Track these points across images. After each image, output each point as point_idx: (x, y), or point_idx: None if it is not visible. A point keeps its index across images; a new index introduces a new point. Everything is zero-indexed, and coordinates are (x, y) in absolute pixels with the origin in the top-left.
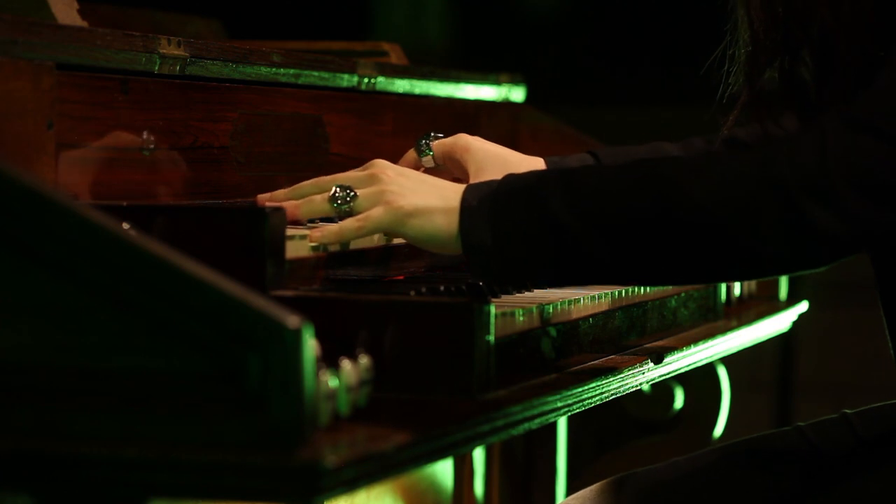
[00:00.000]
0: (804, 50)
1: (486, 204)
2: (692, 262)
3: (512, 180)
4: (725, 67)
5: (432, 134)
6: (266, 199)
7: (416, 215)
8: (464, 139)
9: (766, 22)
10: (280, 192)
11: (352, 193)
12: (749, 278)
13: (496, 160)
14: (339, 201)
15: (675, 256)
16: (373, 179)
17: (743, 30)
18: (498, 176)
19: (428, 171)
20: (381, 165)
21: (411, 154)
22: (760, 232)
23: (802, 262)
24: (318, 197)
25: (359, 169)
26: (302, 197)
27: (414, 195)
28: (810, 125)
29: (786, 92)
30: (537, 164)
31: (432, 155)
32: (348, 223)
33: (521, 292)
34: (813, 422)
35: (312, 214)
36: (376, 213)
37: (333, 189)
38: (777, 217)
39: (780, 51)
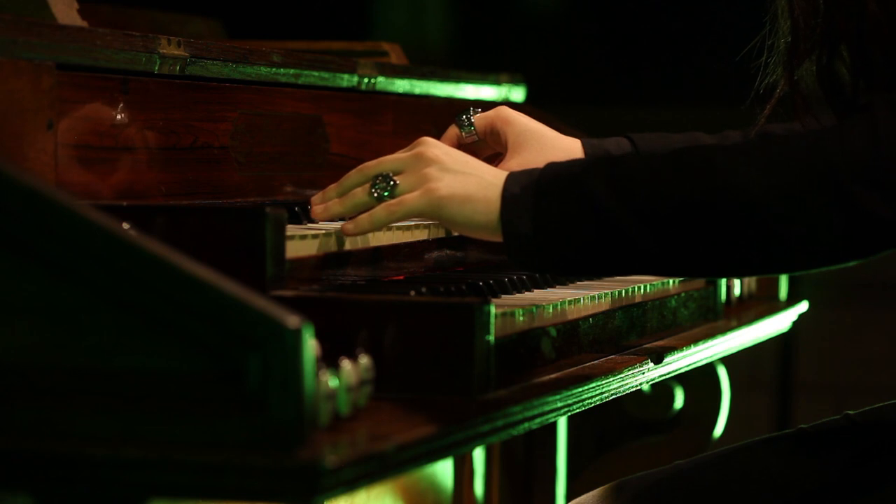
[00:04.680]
0: (842, 43)
1: (529, 193)
2: (740, 253)
3: (555, 169)
4: (764, 58)
5: (472, 109)
6: (318, 199)
7: (452, 201)
8: (505, 111)
9: (808, 11)
10: (330, 188)
11: (392, 182)
12: (798, 269)
13: (535, 135)
14: (378, 192)
15: (723, 246)
16: (417, 160)
17: (783, 20)
18: (536, 151)
19: (467, 147)
20: (427, 144)
21: (452, 130)
22: (810, 220)
23: (852, 251)
24: (358, 191)
25: (405, 149)
26: (347, 190)
27: (454, 179)
28: (860, 112)
29: (822, 85)
30: (574, 143)
31: (474, 130)
32: (379, 209)
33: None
34: (815, 424)
35: (356, 209)
36: (411, 199)
37: (372, 180)
38: (827, 204)
39: (819, 42)
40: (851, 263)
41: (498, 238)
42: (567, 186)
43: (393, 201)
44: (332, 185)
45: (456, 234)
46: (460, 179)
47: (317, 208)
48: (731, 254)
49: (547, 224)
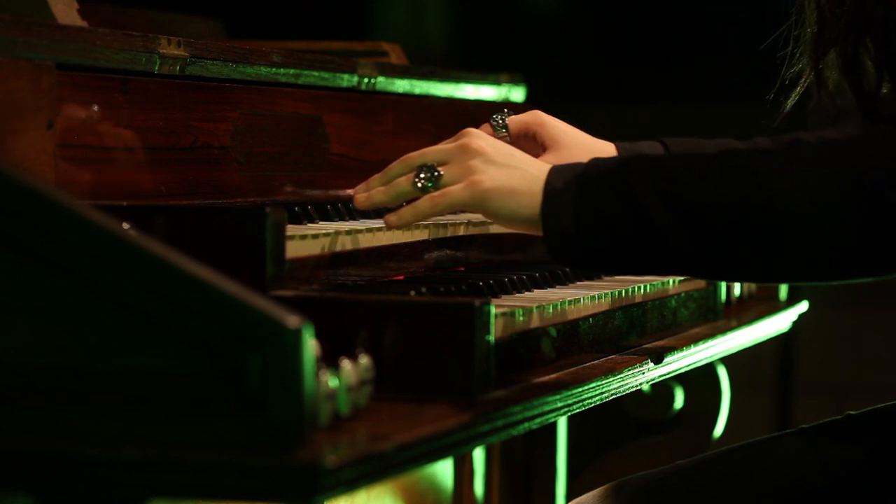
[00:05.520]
0: (868, 34)
1: (571, 188)
2: (777, 260)
3: (598, 165)
4: (790, 48)
5: (505, 110)
6: (361, 189)
7: (497, 194)
8: (539, 114)
9: (834, 1)
10: (374, 178)
11: (436, 173)
12: (837, 278)
13: (570, 137)
14: (422, 182)
15: (761, 253)
16: (462, 151)
17: (810, 10)
18: (572, 151)
19: None
20: (472, 135)
21: (486, 129)
22: (850, 231)
23: (893, 264)
24: (402, 180)
25: (450, 140)
26: (391, 179)
27: (498, 171)
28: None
29: (846, 75)
30: (607, 146)
31: (507, 131)
32: (422, 201)
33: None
34: (817, 424)
35: (400, 199)
36: (454, 191)
37: (416, 170)
38: (868, 214)
39: (844, 32)
40: (893, 276)
41: (539, 232)
42: (610, 184)
43: (437, 193)
44: (376, 175)
45: (497, 227)
46: (504, 172)
47: (360, 196)
48: (766, 260)
49: (588, 220)
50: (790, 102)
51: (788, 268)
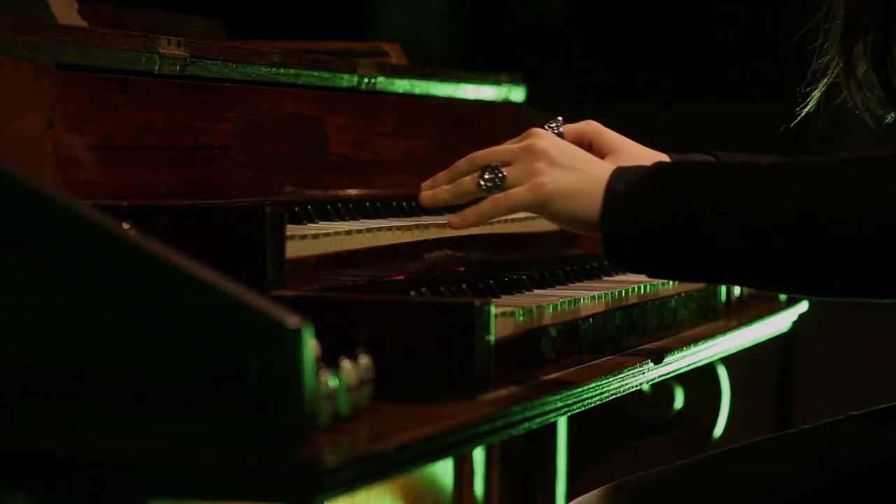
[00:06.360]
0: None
1: (632, 192)
2: (828, 276)
3: (658, 170)
4: (819, 42)
5: (560, 118)
6: (427, 185)
7: (559, 197)
8: (594, 124)
9: None
10: (441, 175)
11: (500, 175)
12: (888, 297)
13: (627, 146)
14: (487, 184)
15: (812, 269)
16: (526, 152)
17: (839, 2)
18: (629, 160)
19: None
20: (538, 135)
21: None
22: None
23: None
24: (467, 180)
25: (515, 139)
26: (457, 178)
27: (562, 174)
28: None
29: (875, 65)
30: (662, 158)
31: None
32: (486, 203)
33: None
34: (818, 424)
35: (464, 198)
36: (517, 193)
37: (481, 171)
38: None
39: (873, 21)
40: None
41: (598, 234)
42: (667, 191)
43: (500, 195)
44: (443, 172)
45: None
46: (568, 175)
47: (425, 194)
48: (819, 276)
49: (644, 225)
50: (817, 93)
51: (840, 284)
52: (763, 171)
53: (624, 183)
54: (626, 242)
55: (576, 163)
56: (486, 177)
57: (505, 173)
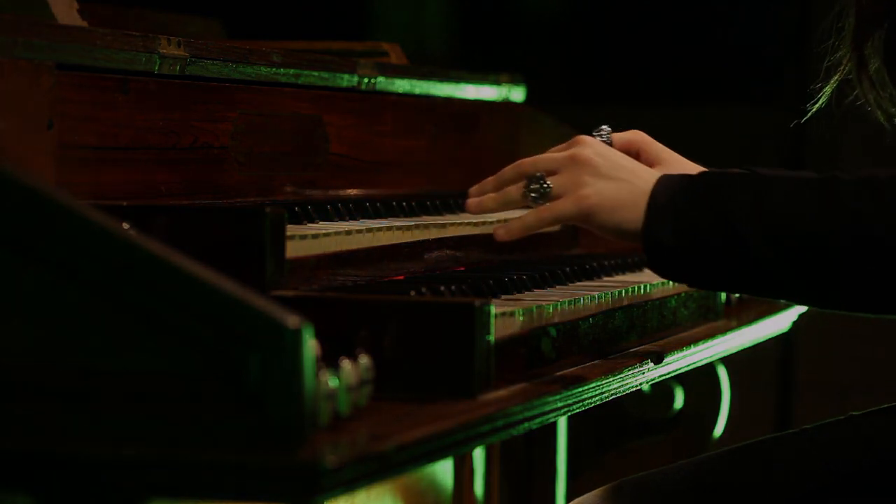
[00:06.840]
0: None
1: (673, 202)
2: (862, 291)
3: (702, 179)
4: (832, 41)
5: (606, 127)
6: (475, 192)
7: (602, 209)
8: (642, 134)
9: None
10: (488, 181)
11: (545, 185)
12: None
13: (673, 157)
14: (533, 195)
15: (849, 284)
16: (571, 162)
17: (849, 2)
18: (676, 170)
19: None
20: (583, 144)
21: None
22: None
23: None
24: (512, 189)
25: (561, 147)
26: (503, 185)
27: (606, 185)
28: None
29: (887, 61)
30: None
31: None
32: (530, 215)
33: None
34: (818, 424)
35: (508, 208)
36: (561, 206)
37: (527, 181)
38: None
39: (885, 16)
40: None
41: (641, 243)
42: (708, 202)
43: (543, 207)
44: (490, 179)
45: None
46: (612, 186)
47: (471, 202)
48: (854, 292)
49: (685, 238)
50: (828, 89)
51: (879, 299)
52: (804, 182)
53: (667, 193)
54: (667, 252)
55: (621, 173)
56: (532, 187)
57: (550, 184)
